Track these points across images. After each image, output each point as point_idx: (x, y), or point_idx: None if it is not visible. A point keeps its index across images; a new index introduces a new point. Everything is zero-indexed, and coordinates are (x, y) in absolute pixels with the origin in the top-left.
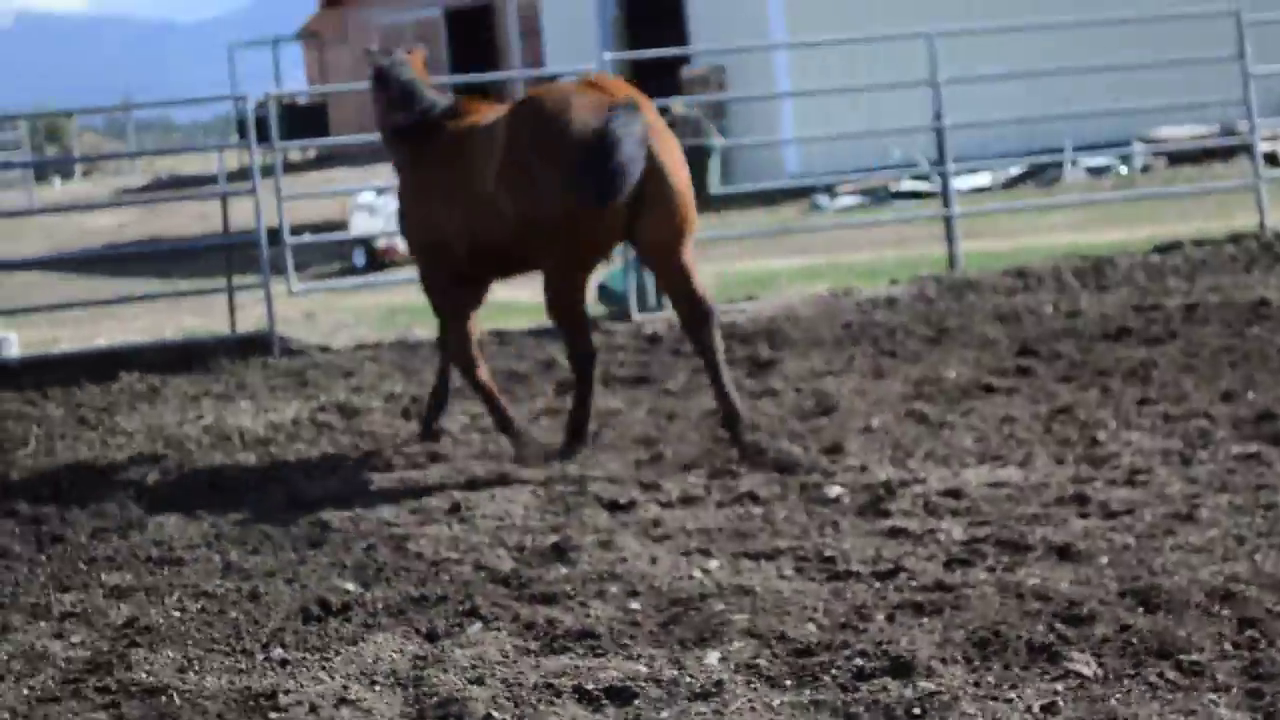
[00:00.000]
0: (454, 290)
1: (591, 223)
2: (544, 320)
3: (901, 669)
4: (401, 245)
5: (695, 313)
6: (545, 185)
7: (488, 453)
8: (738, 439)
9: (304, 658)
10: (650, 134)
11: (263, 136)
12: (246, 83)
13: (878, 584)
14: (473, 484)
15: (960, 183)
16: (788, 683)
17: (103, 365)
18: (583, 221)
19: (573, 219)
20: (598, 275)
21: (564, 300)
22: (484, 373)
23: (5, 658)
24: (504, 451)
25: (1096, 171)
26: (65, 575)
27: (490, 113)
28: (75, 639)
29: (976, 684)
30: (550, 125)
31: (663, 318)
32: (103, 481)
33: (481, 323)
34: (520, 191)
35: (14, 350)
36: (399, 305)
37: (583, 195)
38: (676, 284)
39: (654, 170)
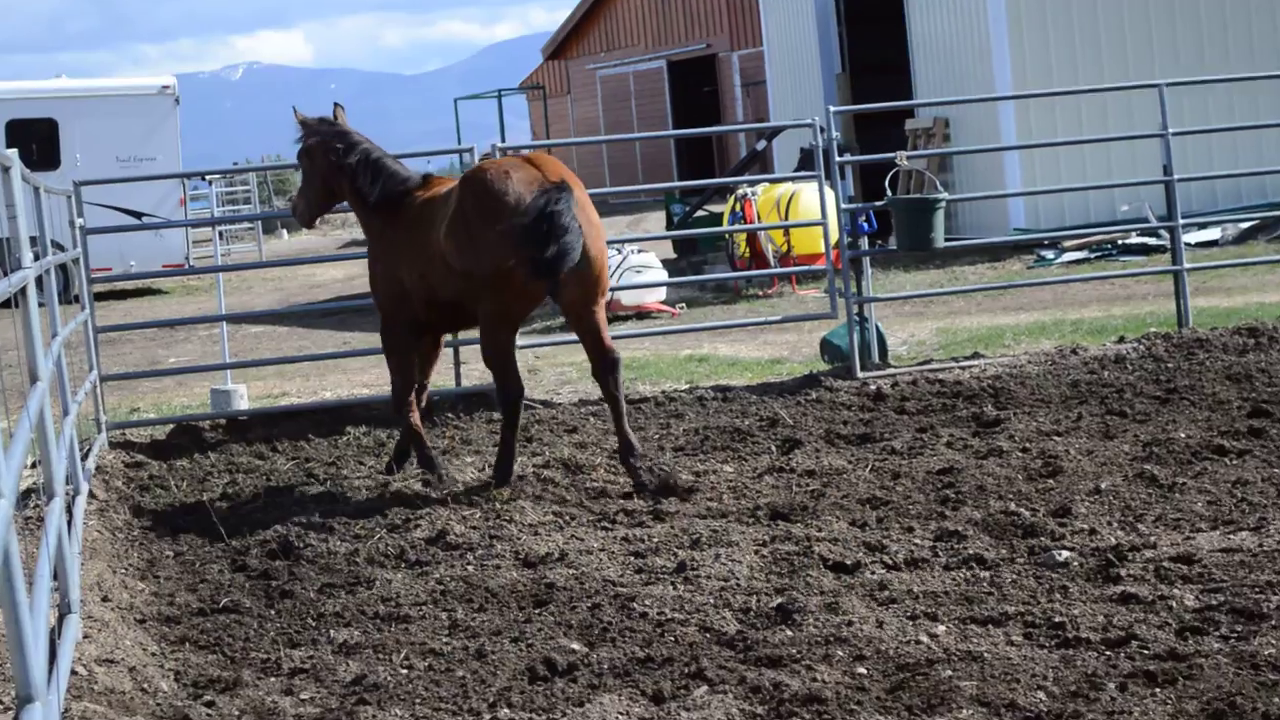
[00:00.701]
0: (408, 339)
1: (520, 282)
2: (768, 376)
3: None
4: (625, 299)
5: (604, 363)
6: (483, 246)
7: (711, 511)
8: (630, 468)
9: (530, 718)
10: (577, 209)
11: None
12: (470, 134)
13: (1109, 652)
14: (697, 543)
15: (1189, 237)
16: None
17: (330, 419)
18: (513, 280)
19: (504, 278)
20: (821, 330)
21: (494, 347)
22: (415, 417)
23: (236, 713)
24: (726, 510)
25: None
26: (294, 631)
27: (449, 185)
28: (304, 695)
29: None
30: (490, 195)
31: (887, 375)
32: (330, 536)
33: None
34: (462, 249)
35: (244, 403)
36: (623, 360)
37: (533, 268)
38: (589, 338)
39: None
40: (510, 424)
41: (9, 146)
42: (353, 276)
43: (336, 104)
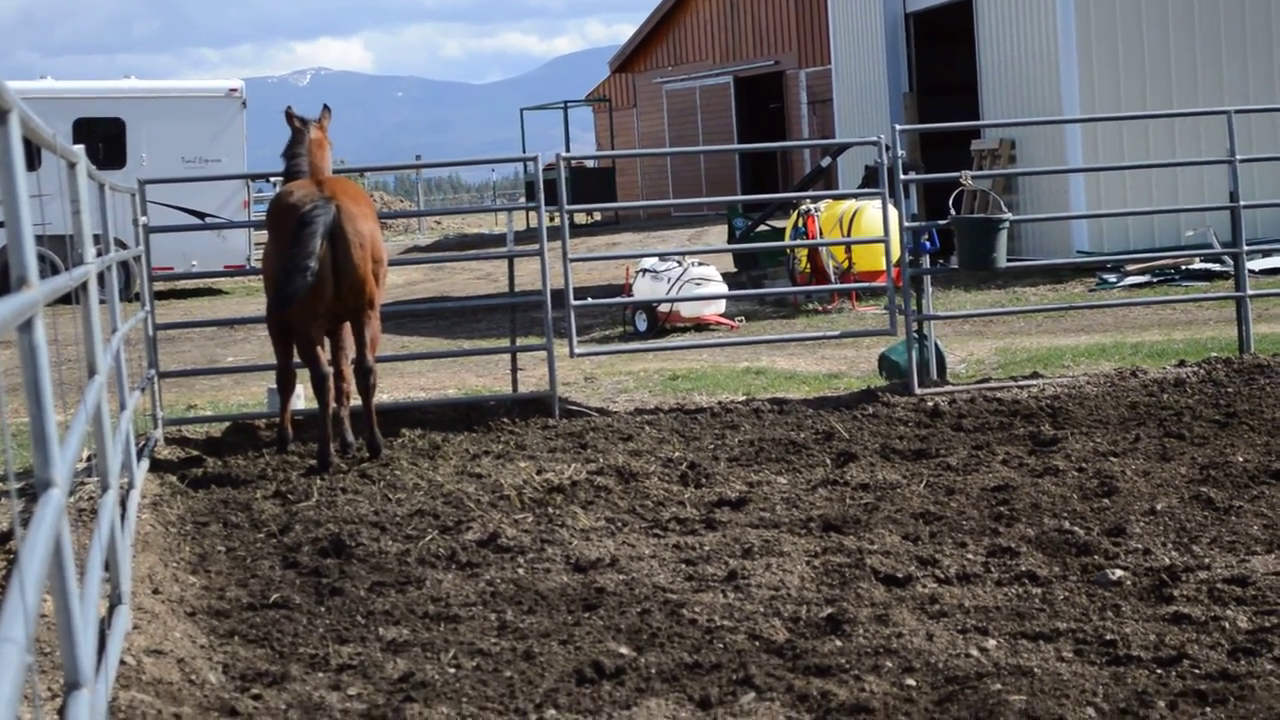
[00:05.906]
0: (278, 331)
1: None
2: (825, 391)
3: None
4: (684, 310)
5: (359, 369)
6: (266, 257)
7: (763, 522)
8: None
9: None
10: (343, 219)
11: (550, 198)
12: (535, 145)
13: (1159, 670)
14: (748, 553)
15: (1254, 264)
16: None
17: (386, 420)
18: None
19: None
20: (881, 346)
21: (298, 338)
22: (290, 405)
23: (282, 707)
24: (778, 520)
25: None
26: (343, 628)
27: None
28: (351, 691)
29: None
30: (270, 212)
31: (944, 392)
32: (383, 536)
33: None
34: (264, 258)
35: (300, 403)
36: (680, 370)
37: (275, 298)
38: (356, 344)
39: (340, 253)
40: (321, 409)
41: (75, 144)
42: (413, 282)
43: (325, 106)
